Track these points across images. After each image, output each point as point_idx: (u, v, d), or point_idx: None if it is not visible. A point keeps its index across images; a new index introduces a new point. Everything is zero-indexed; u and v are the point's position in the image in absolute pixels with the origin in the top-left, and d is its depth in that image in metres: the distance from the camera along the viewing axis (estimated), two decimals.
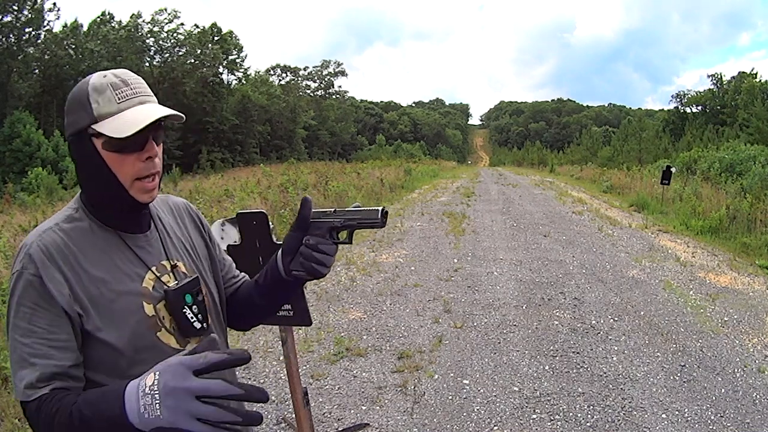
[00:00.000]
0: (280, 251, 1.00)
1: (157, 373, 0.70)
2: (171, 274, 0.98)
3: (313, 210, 0.97)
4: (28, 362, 0.82)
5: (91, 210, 0.94)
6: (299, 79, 64.96)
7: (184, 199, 1.16)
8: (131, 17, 43.94)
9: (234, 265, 1.19)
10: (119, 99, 0.88)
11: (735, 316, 4.58)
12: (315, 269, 0.95)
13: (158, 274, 0.96)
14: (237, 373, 1.36)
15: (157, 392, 0.68)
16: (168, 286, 0.95)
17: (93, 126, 0.88)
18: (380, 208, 0.94)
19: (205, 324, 0.96)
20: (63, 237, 0.90)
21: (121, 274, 0.92)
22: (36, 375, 0.82)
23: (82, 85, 0.90)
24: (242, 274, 1.19)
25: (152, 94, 0.94)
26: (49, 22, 37.32)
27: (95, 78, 0.90)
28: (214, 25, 48.87)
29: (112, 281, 0.90)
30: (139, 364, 0.86)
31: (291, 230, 0.97)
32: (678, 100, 48.03)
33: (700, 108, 45.17)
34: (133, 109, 0.88)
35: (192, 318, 0.93)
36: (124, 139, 0.86)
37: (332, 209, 0.98)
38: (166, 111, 0.90)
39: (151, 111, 0.89)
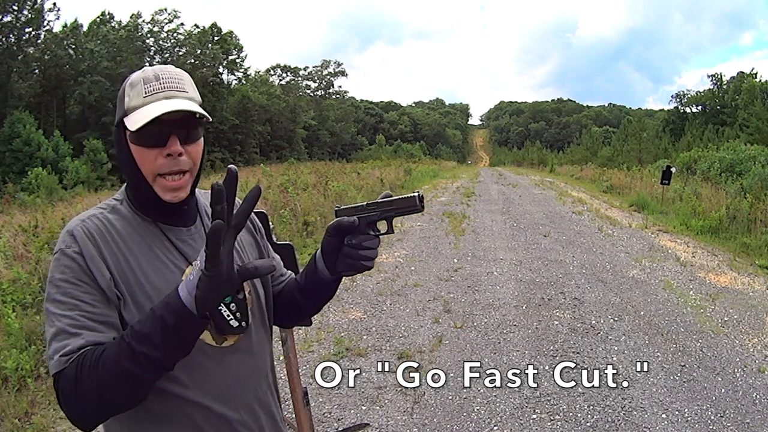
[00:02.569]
0: (317, 253, 1.02)
1: (203, 249, 0.74)
2: None
3: (344, 207, 0.99)
4: (71, 333, 0.82)
5: (133, 202, 0.95)
6: (299, 79, 65.02)
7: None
8: (131, 17, 43.97)
9: (282, 264, 1.19)
10: (146, 93, 0.88)
11: (735, 316, 4.58)
12: (363, 265, 0.97)
13: None
14: None
15: (198, 261, 0.76)
16: None
17: (124, 119, 0.90)
18: (417, 194, 0.95)
19: (243, 323, 0.92)
20: (106, 224, 0.91)
21: (161, 266, 0.92)
22: (80, 343, 0.81)
23: (126, 81, 0.93)
24: (289, 272, 1.19)
25: (188, 90, 0.92)
26: (49, 22, 37.40)
27: (136, 73, 0.92)
28: (214, 25, 48.92)
29: (152, 272, 0.91)
30: None
31: (327, 235, 0.98)
32: (678, 100, 48.09)
33: (700, 108, 45.19)
34: (155, 104, 0.87)
35: (228, 316, 0.89)
36: (138, 132, 0.86)
37: (364, 203, 0.98)
38: (180, 105, 0.87)
39: (166, 105, 0.86)
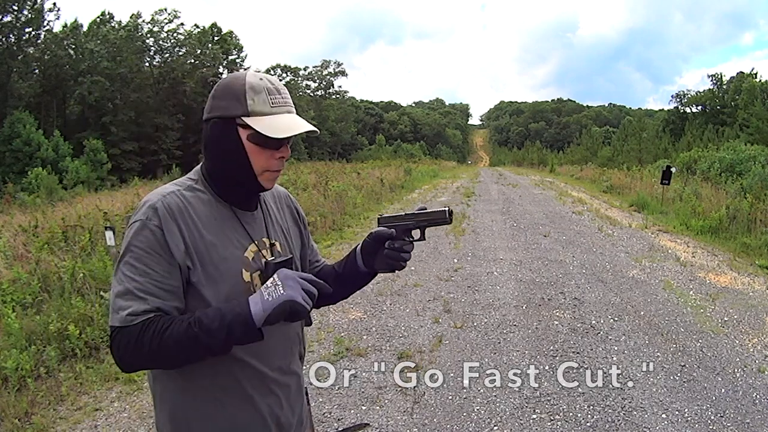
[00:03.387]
0: (358, 249, 1.22)
1: (276, 274, 0.99)
2: (269, 250, 1.14)
3: (386, 216, 1.20)
4: (137, 296, 0.96)
5: (211, 183, 1.09)
6: (299, 79, 64.97)
7: (286, 190, 1.33)
8: (131, 17, 43.96)
9: (319, 251, 1.40)
10: (272, 104, 1.04)
11: (735, 316, 4.58)
12: (400, 265, 1.18)
13: (259, 248, 1.11)
14: None
15: (279, 282, 0.97)
16: (267, 259, 1.09)
17: (244, 118, 1.03)
18: (447, 209, 1.15)
19: None
20: (183, 201, 1.04)
21: (228, 241, 1.07)
22: (144, 307, 0.96)
23: (238, 80, 1.05)
24: (323, 259, 1.38)
25: (293, 105, 1.10)
26: (49, 22, 37.43)
27: (251, 77, 1.05)
28: (214, 25, 48.93)
29: (220, 245, 1.05)
30: None
31: (368, 239, 1.20)
32: (678, 100, 48.09)
33: (700, 108, 45.19)
34: (283, 116, 1.05)
35: None
36: (274, 138, 1.03)
37: (403, 212, 1.19)
38: (310, 126, 1.07)
39: (300, 122, 1.06)
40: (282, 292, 0.95)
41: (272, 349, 1.12)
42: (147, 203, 1.02)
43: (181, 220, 1.02)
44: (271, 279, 0.98)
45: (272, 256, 1.13)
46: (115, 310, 0.96)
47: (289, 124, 1.04)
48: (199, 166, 1.14)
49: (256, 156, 1.05)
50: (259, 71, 1.10)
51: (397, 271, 1.23)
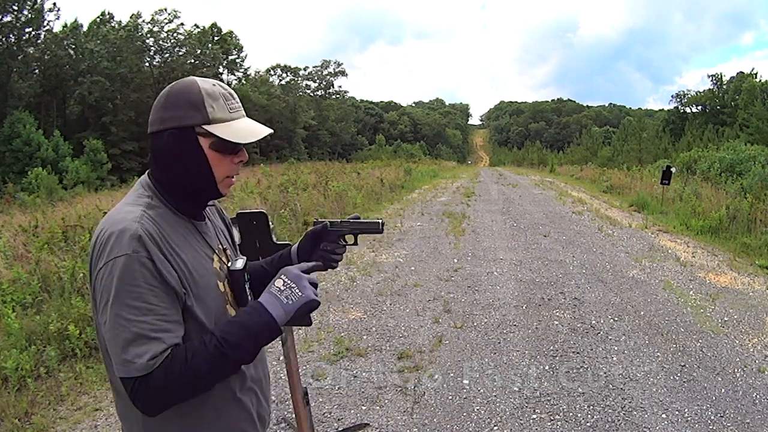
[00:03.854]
0: (294, 249, 1.28)
1: (283, 275, 1.03)
2: (225, 256, 1.15)
3: (320, 221, 1.29)
4: (150, 337, 0.91)
5: (167, 197, 1.05)
6: (299, 79, 64.96)
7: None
8: (131, 17, 43.97)
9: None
10: (230, 109, 1.04)
11: (735, 316, 4.58)
12: (331, 265, 1.27)
13: (219, 256, 1.13)
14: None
15: (293, 284, 1.01)
16: (230, 267, 1.12)
17: (204, 126, 1.00)
18: (380, 221, 1.29)
19: (252, 298, 1.14)
20: (155, 223, 0.99)
21: (200, 256, 1.06)
22: (162, 348, 0.91)
23: (191, 87, 1.01)
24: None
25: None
26: (49, 22, 37.42)
27: (205, 84, 1.02)
28: (214, 25, 48.97)
29: (195, 262, 1.04)
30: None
31: (305, 238, 1.27)
32: (678, 100, 48.09)
33: (700, 108, 45.18)
34: (242, 120, 1.05)
35: (249, 293, 1.13)
36: (226, 141, 1.02)
37: (339, 220, 1.29)
38: (269, 130, 1.09)
39: (260, 126, 1.07)
40: (300, 294, 1.01)
41: None
42: (126, 233, 0.93)
43: (162, 244, 0.97)
44: (282, 281, 1.02)
45: (227, 260, 1.15)
46: (129, 359, 0.90)
47: (251, 129, 1.05)
48: (145, 180, 1.07)
49: (218, 163, 1.04)
50: (206, 77, 1.07)
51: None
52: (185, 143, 1.01)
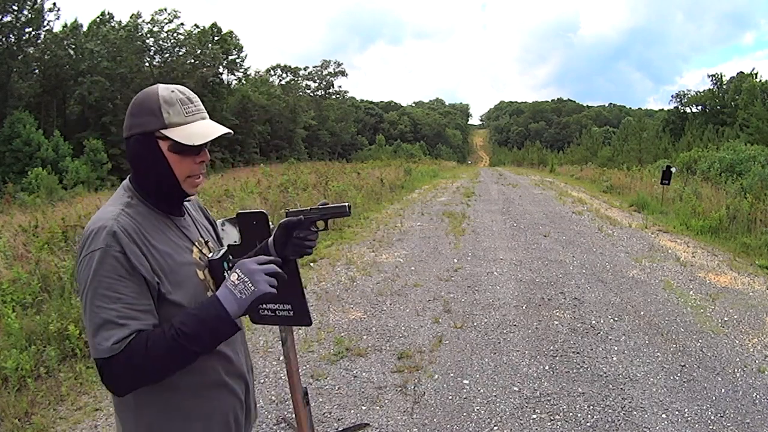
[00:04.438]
0: (270, 240, 1.33)
1: (237, 270, 1.06)
2: (206, 248, 1.25)
3: (293, 210, 1.35)
4: (117, 323, 1.00)
5: (145, 197, 1.15)
6: (299, 79, 64.96)
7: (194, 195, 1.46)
8: (131, 17, 43.96)
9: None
10: (186, 113, 1.11)
11: (735, 316, 4.58)
12: (306, 251, 1.33)
13: (199, 248, 1.22)
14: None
15: (246, 278, 1.05)
16: (209, 257, 1.21)
17: (162, 131, 1.09)
18: (347, 204, 1.35)
19: None
20: (132, 219, 1.09)
21: (178, 248, 1.16)
22: (125, 332, 1.00)
23: (151, 95, 1.10)
24: None
25: (205, 110, 1.18)
26: (49, 22, 37.40)
27: (163, 91, 1.11)
28: (214, 25, 48.94)
29: (173, 254, 1.13)
30: None
31: (278, 229, 1.32)
32: (678, 100, 48.09)
33: (700, 108, 45.19)
34: (198, 123, 1.13)
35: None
36: (191, 146, 1.10)
37: (308, 208, 1.35)
38: (224, 129, 1.15)
39: (214, 127, 1.14)
40: (252, 288, 1.05)
41: (235, 340, 1.24)
42: (103, 229, 1.04)
43: (137, 238, 1.07)
44: (236, 275, 1.06)
45: (210, 253, 1.24)
46: (98, 343, 0.99)
47: (204, 131, 1.12)
48: (126, 182, 1.19)
49: (178, 164, 1.12)
50: (168, 84, 1.15)
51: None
52: (147, 147, 1.11)
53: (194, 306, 1.07)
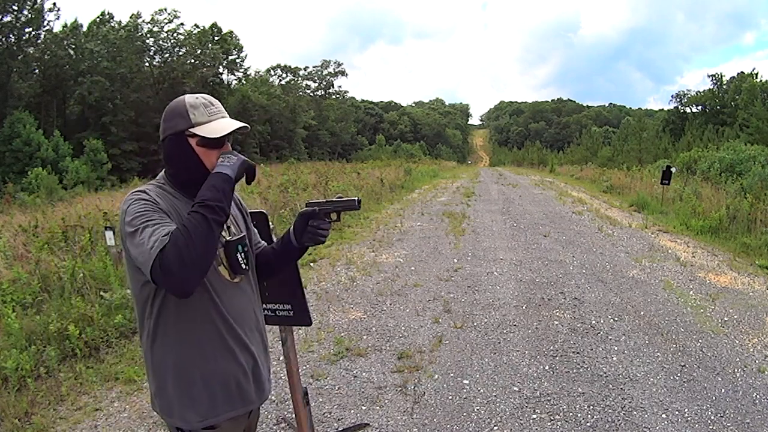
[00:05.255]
0: (291, 229, 1.53)
1: (221, 155, 1.33)
2: (227, 231, 1.43)
3: (310, 201, 1.53)
4: (159, 226, 1.22)
5: (176, 184, 1.39)
6: (299, 79, 64.91)
7: None
8: (131, 17, 43.91)
9: (258, 234, 1.69)
10: (209, 114, 1.36)
11: (735, 316, 4.58)
12: (319, 240, 1.50)
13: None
14: None
15: (230, 155, 1.34)
16: (227, 238, 1.40)
17: (191, 129, 1.33)
18: (356, 198, 1.50)
19: (247, 267, 1.44)
20: (160, 193, 1.35)
21: None
22: (167, 230, 1.21)
23: (179, 102, 1.36)
24: (262, 241, 1.69)
25: (226, 112, 1.41)
26: (49, 22, 37.35)
27: (189, 98, 1.37)
28: (214, 25, 48.87)
29: None
30: (203, 283, 1.30)
31: (298, 218, 1.52)
32: (678, 100, 48.06)
33: (700, 108, 45.17)
34: (219, 121, 1.36)
35: (241, 261, 1.42)
36: (215, 139, 1.33)
37: (325, 200, 1.52)
38: (240, 123, 1.37)
39: (232, 122, 1.37)
40: (236, 158, 1.32)
41: (244, 311, 1.44)
42: (135, 192, 1.31)
43: (163, 200, 1.32)
44: (222, 157, 1.32)
45: (230, 235, 1.42)
46: (151, 246, 1.18)
47: (224, 126, 1.35)
48: (162, 174, 1.42)
49: (206, 156, 1.35)
50: (195, 94, 1.40)
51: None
52: (180, 144, 1.35)
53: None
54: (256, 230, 1.68)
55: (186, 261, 1.17)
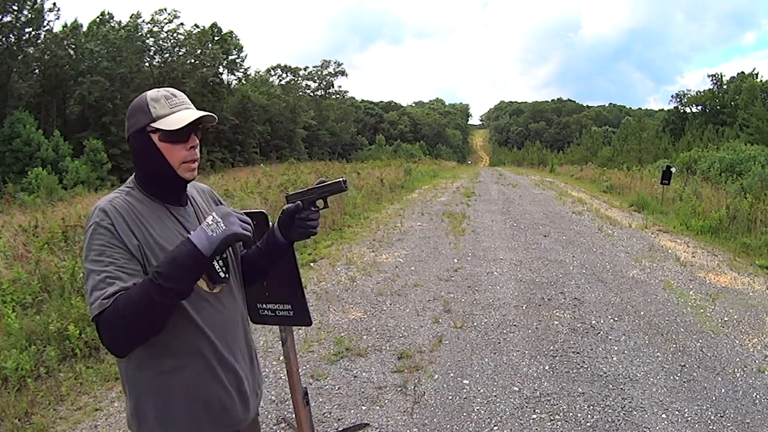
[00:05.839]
0: (275, 226, 1.41)
1: (213, 213, 1.16)
2: None
3: (292, 193, 1.40)
4: (108, 283, 1.11)
5: (145, 188, 1.28)
6: (299, 79, 64.89)
7: (209, 187, 1.53)
8: (131, 17, 43.87)
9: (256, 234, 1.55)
10: (171, 105, 1.24)
11: (735, 316, 4.58)
12: (310, 232, 1.39)
13: None
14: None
15: (219, 219, 1.15)
16: None
17: (152, 124, 1.22)
18: (342, 179, 1.37)
19: (226, 275, 1.32)
20: (127, 203, 1.22)
21: (171, 234, 1.25)
22: (114, 289, 1.10)
23: (141, 98, 1.26)
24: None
25: (192, 104, 1.29)
26: (49, 22, 37.32)
27: (151, 92, 1.26)
28: (214, 25, 48.83)
29: (165, 237, 1.24)
30: None
31: (281, 216, 1.39)
32: (678, 100, 48.07)
33: (700, 108, 45.18)
34: (182, 112, 1.24)
35: (219, 269, 1.28)
36: (175, 131, 1.21)
37: (306, 188, 1.39)
38: (203, 113, 1.24)
39: (195, 112, 1.25)
40: (224, 227, 1.14)
41: (227, 322, 1.33)
42: (97, 208, 1.19)
43: (128, 217, 1.20)
44: (211, 217, 1.15)
45: None
46: (92, 302, 1.10)
47: (185, 116, 1.22)
48: (131, 177, 1.32)
49: (170, 152, 1.24)
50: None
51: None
52: (142, 141, 1.24)
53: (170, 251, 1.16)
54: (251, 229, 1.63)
55: (119, 334, 1.10)
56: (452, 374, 3.50)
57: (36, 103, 36.74)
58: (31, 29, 35.58)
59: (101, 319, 1.08)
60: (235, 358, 1.34)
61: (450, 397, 3.20)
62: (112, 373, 3.44)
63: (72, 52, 38.83)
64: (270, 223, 1.98)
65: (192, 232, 1.15)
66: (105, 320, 1.08)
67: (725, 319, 4.53)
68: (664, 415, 2.96)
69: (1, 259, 5.30)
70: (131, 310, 1.08)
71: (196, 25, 47.69)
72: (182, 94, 1.28)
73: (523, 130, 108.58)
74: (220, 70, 48.64)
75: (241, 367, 1.35)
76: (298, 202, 1.38)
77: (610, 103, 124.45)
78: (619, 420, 2.92)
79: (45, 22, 36.41)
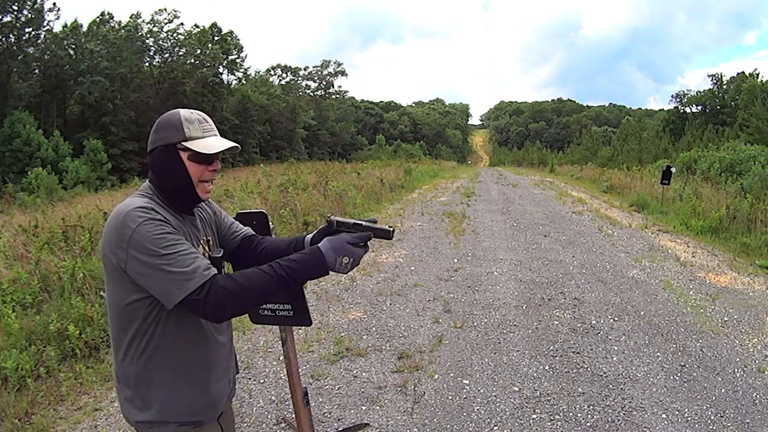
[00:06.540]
0: (308, 238, 1.50)
1: (342, 256, 1.31)
2: (207, 245, 1.47)
3: (340, 220, 1.40)
4: (196, 259, 1.23)
5: (162, 198, 1.36)
6: (299, 79, 64.91)
7: (217, 206, 1.64)
8: (131, 17, 43.89)
9: (236, 222, 1.66)
10: (203, 130, 1.35)
11: (735, 316, 4.58)
12: (354, 264, 1.38)
13: (204, 245, 1.45)
14: (239, 374, 1.68)
15: (349, 257, 1.32)
16: (211, 254, 1.44)
17: (183, 143, 1.32)
18: (391, 228, 1.36)
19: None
20: (151, 207, 1.27)
21: (192, 238, 1.39)
22: (205, 263, 1.24)
23: (174, 115, 1.35)
24: (245, 228, 1.65)
25: (217, 129, 1.43)
26: (49, 22, 37.31)
27: (184, 112, 1.35)
28: (214, 25, 48.86)
29: (190, 240, 1.36)
30: None
31: (318, 235, 1.45)
32: (678, 100, 48.10)
33: (700, 108, 45.20)
34: (213, 138, 1.36)
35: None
36: (208, 155, 1.33)
37: (357, 222, 1.38)
38: (233, 143, 1.37)
39: (224, 141, 1.37)
40: (350, 264, 1.32)
41: (226, 325, 1.49)
42: (137, 208, 1.23)
43: (164, 218, 1.28)
44: (346, 258, 1.31)
45: (209, 249, 1.47)
46: (186, 277, 1.19)
47: (217, 143, 1.35)
48: (146, 185, 1.39)
49: (194, 171, 1.34)
50: (190, 110, 1.40)
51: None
52: (170, 156, 1.33)
53: (296, 255, 1.30)
54: (231, 218, 1.67)
55: (230, 304, 1.22)
56: (452, 374, 3.50)
57: (36, 103, 36.73)
58: (31, 29, 35.57)
59: (210, 288, 1.19)
60: (230, 356, 1.53)
61: (450, 397, 3.20)
62: (112, 373, 3.44)
63: (72, 52, 38.84)
64: (270, 223, 1.98)
65: (323, 249, 1.30)
66: (214, 291, 1.19)
67: (725, 319, 4.53)
68: (664, 415, 2.96)
69: (1, 259, 5.30)
70: (253, 288, 1.23)
71: (196, 25, 47.73)
72: (211, 120, 1.39)
73: (523, 130, 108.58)
74: (220, 70, 48.67)
75: (232, 365, 1.54)
76: (360, 242, 1.34)
77: (611, 103, 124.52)
78: (619, 420, 2.92)
79: (45, 22, 36.43)
